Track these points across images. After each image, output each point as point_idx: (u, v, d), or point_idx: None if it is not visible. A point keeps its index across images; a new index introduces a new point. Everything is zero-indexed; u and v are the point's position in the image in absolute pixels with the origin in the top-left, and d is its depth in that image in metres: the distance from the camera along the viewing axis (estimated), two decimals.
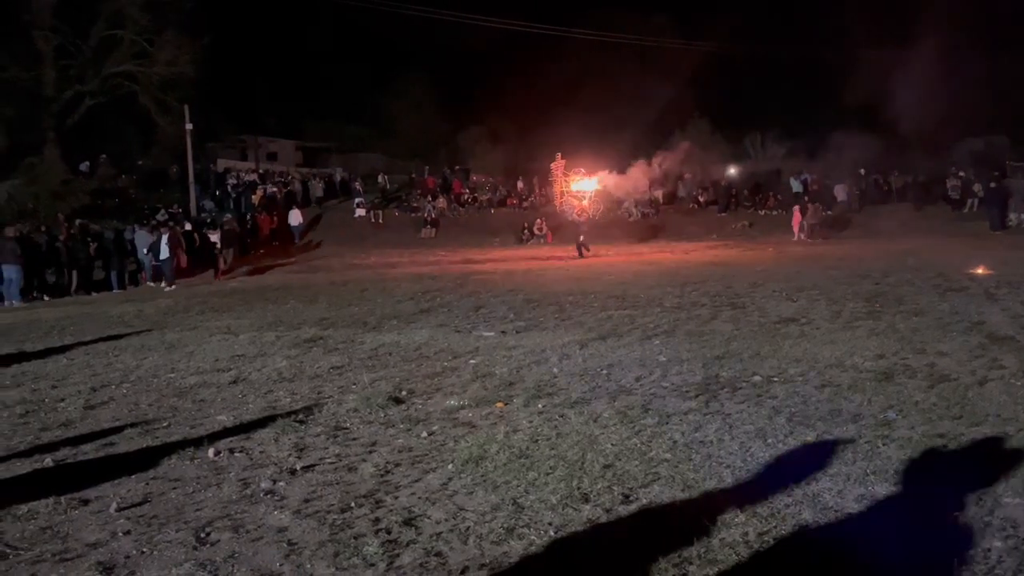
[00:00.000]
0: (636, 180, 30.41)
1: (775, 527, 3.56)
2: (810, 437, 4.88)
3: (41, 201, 25.18)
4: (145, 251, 20.22)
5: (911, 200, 30.56)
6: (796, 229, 27.12)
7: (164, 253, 19.13)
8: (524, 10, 43.12)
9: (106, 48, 30.81)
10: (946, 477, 4.23)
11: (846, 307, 10.35)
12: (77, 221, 21.54)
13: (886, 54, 30.85)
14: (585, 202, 29.62)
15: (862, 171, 32.97)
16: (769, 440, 4.82)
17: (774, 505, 3.79)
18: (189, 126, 29.07)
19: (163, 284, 19.08)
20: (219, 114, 38.48)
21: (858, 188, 32.09)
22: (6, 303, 16.08)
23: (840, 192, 31.31)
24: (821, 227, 26.95)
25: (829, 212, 29.52)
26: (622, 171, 30.50)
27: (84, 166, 30.65)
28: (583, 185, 30.13)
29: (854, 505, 3.80)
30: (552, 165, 31.96)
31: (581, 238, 23.30)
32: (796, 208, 27.87)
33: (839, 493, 3.94)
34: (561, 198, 30.78)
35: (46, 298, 17.33)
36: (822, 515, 3.69)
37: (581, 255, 22.77)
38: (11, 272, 16.25)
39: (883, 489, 4.00)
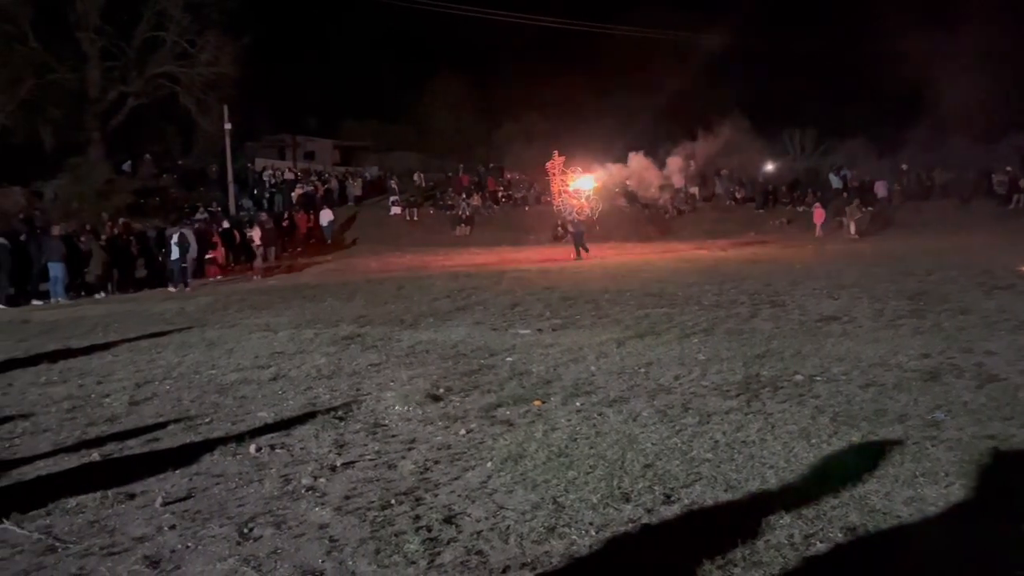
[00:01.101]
0: (672, 172, 30.09)
1: (822, 529, 3.49)
2: (855, 437, 4.78)
3: (86, 200, 25.71)
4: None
5: (954, 196, 29.88)
6: (819, 226, 26.77)
7: (174, 253, 18.59)
8: (560, 7, 42.92)
9: (149, 49, 31.36)
10: (998, 480, 4.11)
11: (889, 305, 10.15)
12: (120, 220, 21.96)
13: (930, 46, 30.26)
14: (583, 201, 28.94)
15: (904, 167, 32.35)
16: (813, 440, 4.73)
17: (820, 507, 3.72)
18: (228, 126, 29.50)
19: (170, 287, 18.38)
20: (258, 113, 39.01)
21: (899, 184, 31.48)
22: (52, 300, 16.44)
23: (881, 188, 30.76)
24: (859, 224, 26.47)
25: (870, 209, 29.02)
26: (659, 166, 30.25)
27: (127, 166, 31.24)
28: (581, 183, 29.55)
29: (903, 508, 3.71)
30: (548, 164, 31.46)
31: (559, 227, 22.78)
32: (817, 205, 27.52)
33: (887, 495, 3.85)
34: (559, 197, 30.37)
35: (100, 295, 17.67)
36: (870, 518, 3.61)
37: (579, 256, 22.04)
38: (56, 270, 16.60)
39: (933, 492, 3.90)
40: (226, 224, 24.31)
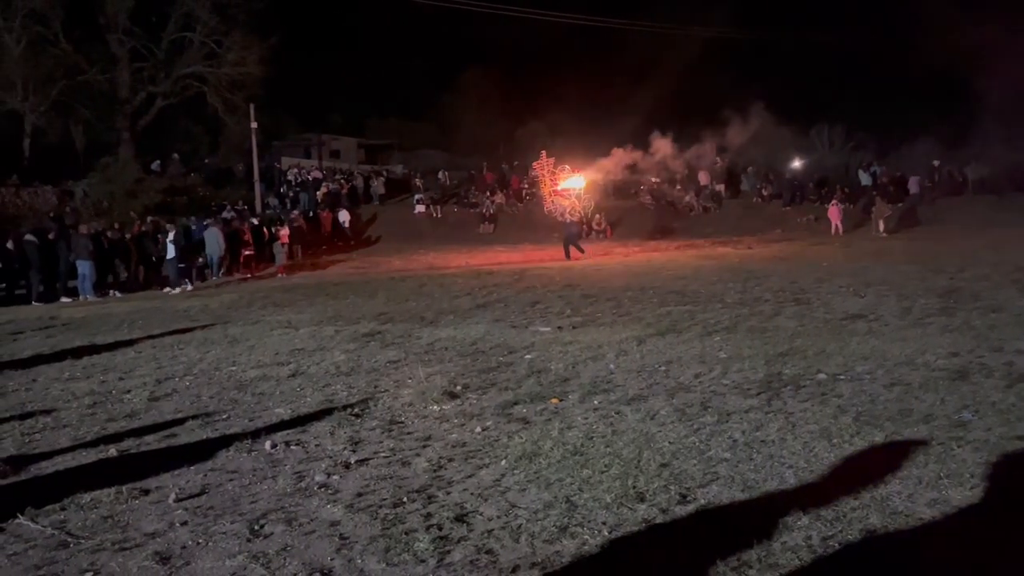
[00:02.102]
0: (702, 156, 29.82)
1: (840, 531, 3.41)
2: (878, 438, 4.67)
3: (115, 199, 26.09)
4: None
5: (988, 192, 29.26)
6: (835, 224, 26.40)
7: (170, 252, 18.13)
8: (585, 3, 42.74)
9: (177, 50, 31.78)
10: None
11: (917, 303, 9.96)
12: (149, 218, 22.23)
13: (962, 39, 29.70)
14: (574, 200, 27.97)
15: (936, 162, 31.76)
16: (834, 440, 4.63)
17: (839, 508, 3.62)
18: (255, 125, 29.75)
19: (167, 288, 17.86)
20: (284, 112, 39.32)
21: (930, 181, 30.91)
22: (80, 297, 16.66)
23: (913, 185, 30.19)
24: (887, 222, 26.04)
25: (899, 205, 28.57)
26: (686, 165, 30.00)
27: (156, 165, 31.65)
28: (570, 183, 28.67)
29: (926, 510, 3.61)
30: (535, 164, 30.34)
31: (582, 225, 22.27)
32: (833, 202, 27.13)
33: (909, 497, 3.75)
34: (550, 198, 29.80)
35: (117, 294, 17.88)
36: (891, 520, 3.51)
37: (568, 256, 21.20)
38: (84, 267, 16.83)
39: (957, 494, 3.79)
40: (255, 222, 24.55)
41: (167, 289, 17.80)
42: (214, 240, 20.61)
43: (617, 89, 43.44)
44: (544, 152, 29.62)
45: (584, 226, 28.45)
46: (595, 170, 29.15)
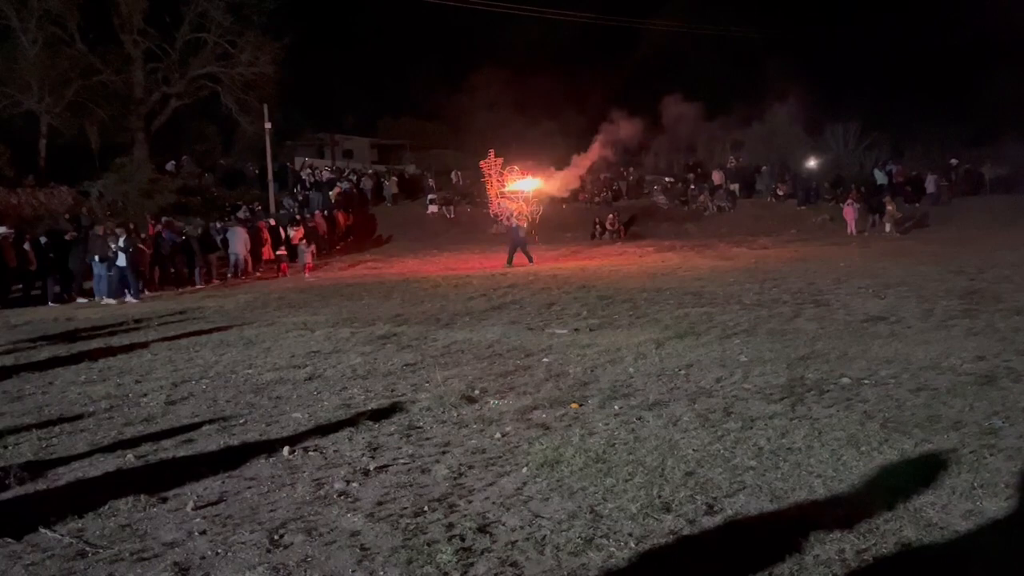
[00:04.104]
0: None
1: (874, 544, 3.32)
2: (907, 445, 4.57)
3: (130, 200, 26.18)
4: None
5: (1005, 191, 28.94)
6: (850, 224, 26.18)
7: (122, 260, 16.03)
8: (598, 2, 42.58)
9: (191, 51, 31.88)
10: None
11: (939, 305, 9.82)
12: (163, 218, 22.28)
13: (978, 37, 29.40)
14: (522, 204, 26.29)
15: (953, 161, 31.45)
16: (862, 448, 4.54)
17: (872, 520, 3.53)
18: (268, 125, 29.80)
19: (98, 296, 16.06)
20: (297, 113, 39.39)
21: (947, 179, 30.60)
22: (96, 298, 16.69)
23: (930, 184, 29.90)
24: (899, 222, 25.80)
25: (917, 205, 28.32)
26: (698, 163, 29.73)
27: (170, 165, 31.76)
28: (519, 186, 27.03)
29: (961, 522, 3.52)
30: (482, 164, 28.72)
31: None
32: (849, 202, 26.90)
33: (944, 508, 3.66)
34: (496, 200, 27.97)
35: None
36: (926, 532, 3.42)
37: (510, 263, 19.80)
38: (100, 268, 16.85)
39: (993, 505, 3.69)
40: (272, 222, 24.64)
41: (97, 297, 15.88)
42: (238, 240, 20.72)
43: (630, 88, 43.26)
44: (492, 151, 28.22)
45: (598, 227, 28.31)
46: (547, 177, 27.69)
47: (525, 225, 22.94)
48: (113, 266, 16.15)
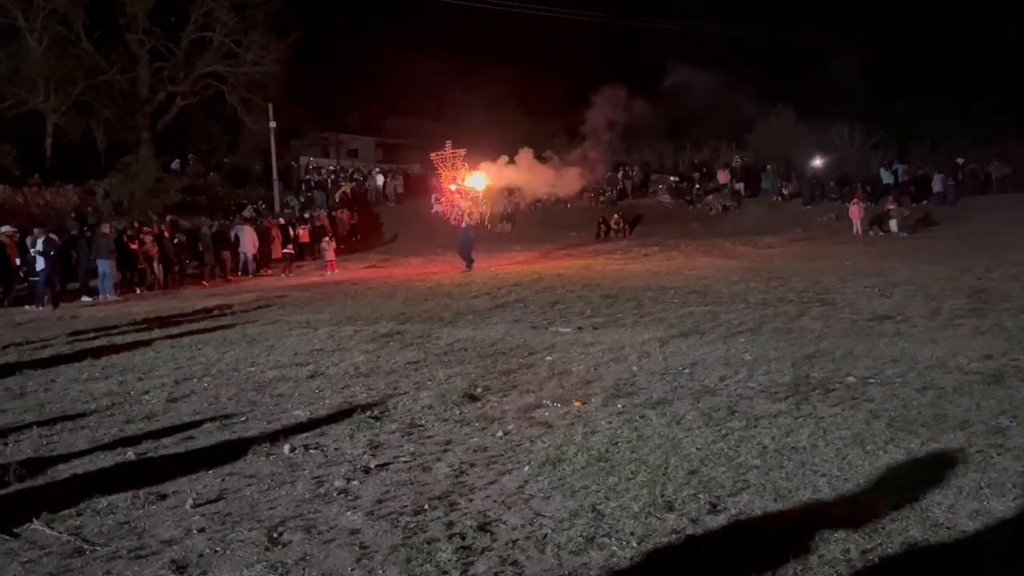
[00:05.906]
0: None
1: (880, 545, 3.27)
2: (913, 445, 4.52)
3: (136, 198, 26.24)
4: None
5: (1011, 190, 28.77)
6: (856, 223, 26.05)
7: (39, 264, 14.98)
8: (602, 1, 42.50)
9: (196, 50, 31.96)
10: None
11: (945, 304, 9.75)
12: (168, 217, 22.32)
13: (984, 36, 29.25)
14: (470, 203, 24.89)
15: (960, 160, 31.29)
16: (868, 447, 4.48)
17: (878, 520, 3.48)
18: (273, 124, 29.84)
19: (28, 305, 14.80)
20: (302, 112, 39.39)
21: (954, 179, 30.45)
22: (101, 297, 16.70)
23: (937, 183, 29.75)
24: (904, 221, 25.67)
25: (924, 203, 28.18)
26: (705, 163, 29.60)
27: (175, 164, 31.82)
28: (470, 183, 25.27)
29: (968, 522, 3.47)
30: (433, 156, 26.59)
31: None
32: (854, 201, 26.77)
33: (950, 508, 3.61)
34: (443, 197, 26.62)
35: (138, 291, 17.95)
36: (932, 532, 3.37)
37: (469, 267, 18.84)
38: (105, 267, 16.86)
39: (1000, 505, 3.64)
40: (282, 221, 24.68)
41: (27, 307, 14.69)
42: (247, 239, 20.83)
43: (635, 87, 43.14)
44: (449, 143, 26.19)
45: (603, 226, 28.22)
46: (498, 169, 25.93)
47: (474, 225, 21.61)
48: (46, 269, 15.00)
